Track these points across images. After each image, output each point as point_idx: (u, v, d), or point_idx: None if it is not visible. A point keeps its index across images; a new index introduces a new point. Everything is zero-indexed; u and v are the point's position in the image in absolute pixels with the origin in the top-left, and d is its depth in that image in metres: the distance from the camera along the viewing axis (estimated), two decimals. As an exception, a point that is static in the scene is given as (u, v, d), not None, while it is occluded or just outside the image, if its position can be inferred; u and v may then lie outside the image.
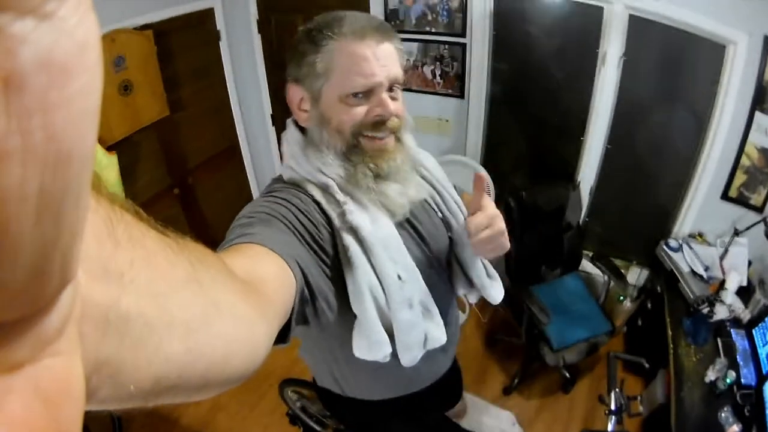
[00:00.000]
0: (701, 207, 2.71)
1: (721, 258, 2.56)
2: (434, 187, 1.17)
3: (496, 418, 2.59)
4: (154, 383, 0.28)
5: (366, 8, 2.96)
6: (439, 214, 1.18)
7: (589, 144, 2.89)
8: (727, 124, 2.52)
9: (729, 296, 2.41)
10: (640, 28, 2.57)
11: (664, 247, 2.71)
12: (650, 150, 2.83)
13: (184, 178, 3.24)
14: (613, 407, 1.71)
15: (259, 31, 3.23)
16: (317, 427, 2.04)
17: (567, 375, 2.75)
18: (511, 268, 2.78)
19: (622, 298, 2.87)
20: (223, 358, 0.35)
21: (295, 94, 0.99)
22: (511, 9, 2.80)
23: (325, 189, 0.97)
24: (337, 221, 0.94)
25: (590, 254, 2.92)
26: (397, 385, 1.33)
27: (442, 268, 1.20)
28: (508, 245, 1.05)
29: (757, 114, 2.45)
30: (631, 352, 2.83)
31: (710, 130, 2.59)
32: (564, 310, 2.69)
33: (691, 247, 2.63)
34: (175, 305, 0.29)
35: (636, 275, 2.93)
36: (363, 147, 0.98)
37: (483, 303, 3.26)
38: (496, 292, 1.24)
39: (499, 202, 2.86)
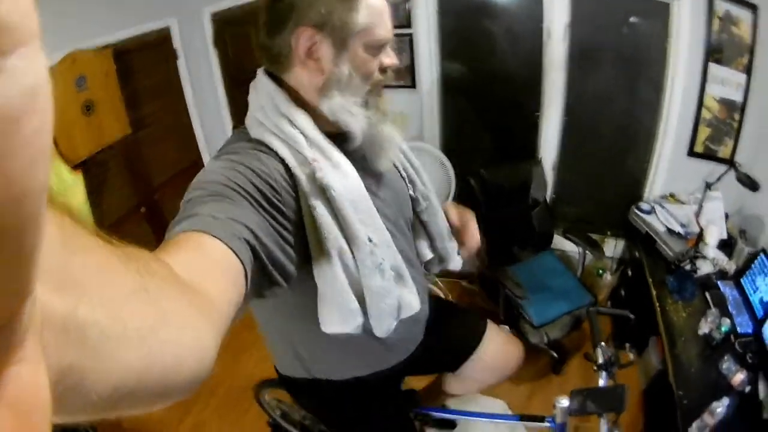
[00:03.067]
0: (669, 167, 2.44)
1: (697, 215, 2.26)
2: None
3: (488, 408, 2.25)
4: (113, 391, 0.25)
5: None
6: (403, 173, 1.10)
7: (546, 119, 2.63)
8: (683, 80, 2.30)
9: (710, 251, 2.10)
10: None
11: (636, 211, 2.41)
12: (610, 118, 2.60)
13: (151, 196, 2.94)
14: (600, 361, 1.39)
15: (216, 47, 3.02)
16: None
17: (555, 355, 2.38)
18: (480, 250, 2.47)
19: (601, 272, 2.54)
20: (175, 364, 0.32)
21: (307, 39, 0.83)
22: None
23: (292, 146, 0.84)
24: (305, 184, 0.82)
25: (562, 230, 2.62)
26: (368, 360, 1.18)
27: (408, 231, 1.12)
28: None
29: (711, 65, 2.23)
30: (618, 324, 2.50)
31: (667, 88, 2.37)
32: (541, 287, 2.36)
33: (664, 207, 2.33)
34: (126, 313, 0.26)
35: (612, 247, 2.62)
36: (377, 93, 0.92)
37: (459, 293, 2.94)
38: (456, 258, 1.24)
39: (460, 185, 2.68)
